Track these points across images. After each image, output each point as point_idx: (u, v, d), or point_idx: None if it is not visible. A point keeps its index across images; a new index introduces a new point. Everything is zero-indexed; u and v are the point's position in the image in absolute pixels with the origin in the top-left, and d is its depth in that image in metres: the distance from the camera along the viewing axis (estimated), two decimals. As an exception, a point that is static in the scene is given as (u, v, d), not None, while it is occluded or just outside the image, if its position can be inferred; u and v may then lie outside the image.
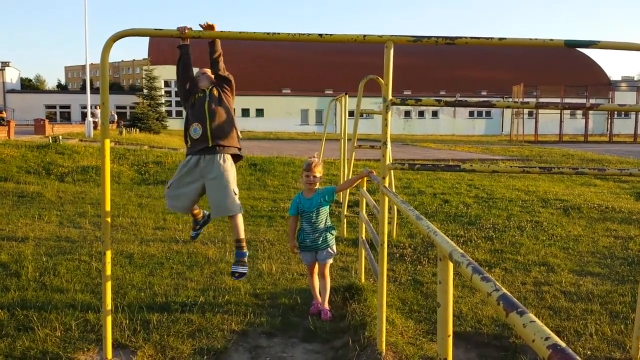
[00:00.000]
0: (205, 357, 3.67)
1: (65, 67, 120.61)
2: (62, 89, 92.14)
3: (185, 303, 4.54)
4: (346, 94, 9.09)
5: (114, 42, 3.35)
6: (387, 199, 3.44)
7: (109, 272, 3.50)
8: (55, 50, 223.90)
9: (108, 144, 3.57)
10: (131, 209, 8.83)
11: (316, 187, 4.43)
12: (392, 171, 7.29)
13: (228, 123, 3.93)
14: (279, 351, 3.81)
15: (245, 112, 53.90)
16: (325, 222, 4.44)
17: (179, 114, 52.85)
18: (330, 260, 4.54)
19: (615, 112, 46.22)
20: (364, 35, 3.27)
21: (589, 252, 6.47)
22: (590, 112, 46.71)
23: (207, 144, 3.83)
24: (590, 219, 8.44)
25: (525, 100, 35.74)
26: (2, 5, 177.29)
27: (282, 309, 4.49)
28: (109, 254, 3.50)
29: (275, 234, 7.27)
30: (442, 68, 58.07)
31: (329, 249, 4.46)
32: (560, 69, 57.01)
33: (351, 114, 9.01)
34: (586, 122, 42.82)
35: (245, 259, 4.10)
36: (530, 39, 3.30)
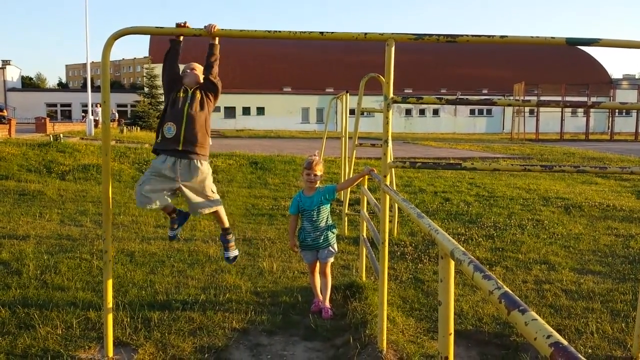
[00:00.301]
0: (206, 355, 3.67)
1: (66, 66, 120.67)
2: (63, 87, 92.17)
3: (186, 301, 4.54)
4: (347, 92, 9.08)
5: (115, 40, 3.35)
6: (388, 197, 3.44)
7: (110, 270, 3.50)
8: (56, 48, 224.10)
9: (109, 142, 3.57)
10: (132, 207, 8.83)
11: (317, 185, 4.43)
12: (393, 169, 7.28)
13: (203, 130, 3.82)
14: (280, 349, 3.82)
15: (246, 111, 53.88)
16: (327, 220, 4.44)
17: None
18: (332, 259, 4.54)
19: (617, 111, 46.18)
20: (365, 33, 3.27)
21: (590, 250, 6.47)
22: (592, 110, 46.65)
23: (177, 147, 3.72)
24: (591, 217, 8.44)
25: (527, 98, 35.69)
26: (3, 3, 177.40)
27: (283, 307, 4.49)
28: (110, 252, 3.51)
29: (276, 232, 7.27)
30: (443, 66, 58.00)
31: (330, 247, 4.46)
32: (562, 67, 56.94)
33: (352, 112, 9.01)
34: (587, 121, 42.76)
35: (234, 244, 4.34)
36: (532, 37, 3.29)
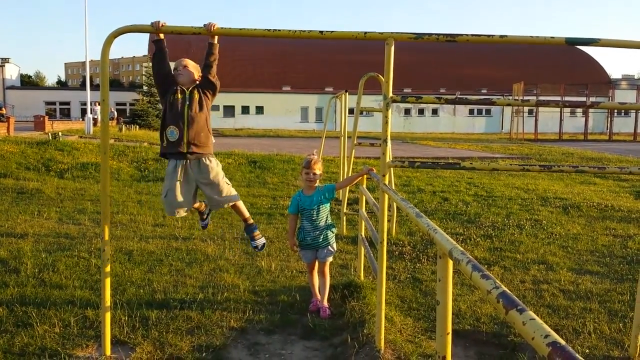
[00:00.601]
0: (204, 353, 3.67)
1: (65, 64, 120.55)
2: (61, 85, 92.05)
3: (184, 300, 4.54)
4: (346, 91, 9.07)
5: (114, 38, 3.35)
6: (386, 196, 3.44)
7: (108, 268, 3.50)
8: (55, 46, 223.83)
9: (108, 140, 3.57)
10: (130, 205, 8.82)
11: (316, 184, 4.43)
12: (392, 169, 7.28)
13: (205, 130, 3.87)
14: (278, 348, 3.82)
15: (245, 110, 53.84)
16: (326, 219, 4.44)
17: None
18: (331, 258, 4.54)
19: (615, 111, 46.21)
20: (365, 32, 3.26)
21: (588, 250, 6.48)
22: (590, 110, 46.71)
23: (181, 149, 3.78)
24: (590, 217, 8.45)
25: (526, 98, 35.69)
26: (2, 1, 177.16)
27: (281, 307, 4.49)
28: (108, 250, 3.50)
29: (274, 231, 7.27)
30: (443, 66, 57.96)
31: (329, 247, 4.46)
32: (561, 67, 56.93)
33: (351, 111, 9.01)
34: (586, 121, 42.79)
35: (258, 232, 4.36)
36: (531, 37, 3.29)
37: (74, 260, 5.54)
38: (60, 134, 17.28)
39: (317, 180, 4.42)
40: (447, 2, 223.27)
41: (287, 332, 4.07)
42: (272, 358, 3.69)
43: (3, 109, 31.77)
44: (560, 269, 5.67)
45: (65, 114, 54.35)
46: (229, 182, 4.07)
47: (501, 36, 3.27)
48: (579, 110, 53.02)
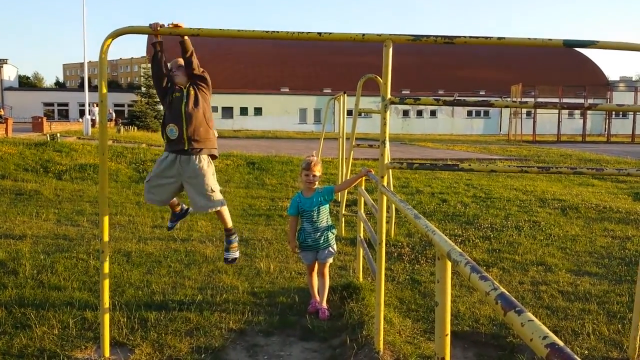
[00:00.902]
0: (202, 355, 3.67)
1: (64, 65, 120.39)
2: (60, 86, 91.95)
3: (183, 301, 4.54)
4: (345, 93, 9.08)
5: (113, 40, 3.35)
6: (385, 198, 3.44)
7: (106, 270, 3.50)
8: (54, 48, 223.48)
9: (106, 142, 3.57)
10: (129, 207, 8.82)
11: (315, 186, 4.43)
12: (390, 170, 7.30)
13: (204, 125, 3.87)
14: (277, 350, 3.82)
15: (244, 111, 53.81)
16: (326, 221, 4.45)
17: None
18: (331, 260, 4.54)
19: (613, 112, 46.29)
20: (363, 34, 3.27)
21: (586, 252, 6.49)
22: (589, 112, 46.79)
23: (183, 147, 3.80)
24: (588, 219, 8.46)
25: (524, 100, 35.73)
26: (0, 2, 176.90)
27: (280, 308, 4.49)
28: (106, 252, 3.50)
29: (273, 233, 7.27)
30: (441, 67, 58.00)
31: (330, 247, 4.46)
32: (559, 69, 56.99)
33: (350, 113, 9.02)
34: (584, 122, 42.83)
35: (236, 245, 4.28)
36: (529, 39, 3.30)
37: (73, 262, 5.53)
38: (58, 135, 17.26)
39: (317, 182, 4.43)
40: (446, 4, 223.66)
41: (285, 333, 4.07)
42: (270, 359, 3.69)
43: (1, 110, 31.76)
44: (559, 270, 5.68)
45: (64, 115, 54.28)
46: (217, 187, 3.99)
47: (499, 38, 3.28)
48: (577, 112, 53.07)
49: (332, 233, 4.49)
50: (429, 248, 6.35)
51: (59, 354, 3.56)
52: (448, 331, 2.03)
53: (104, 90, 3.45)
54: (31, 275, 5.07)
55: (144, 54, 53.00)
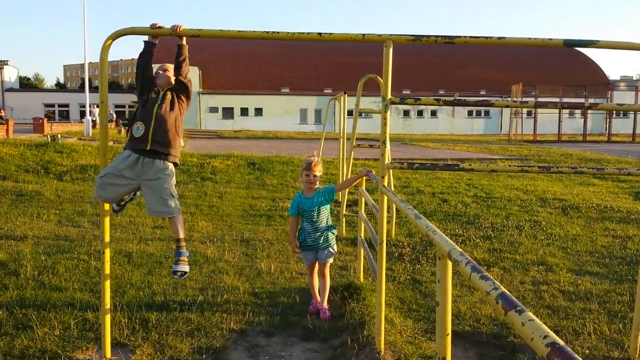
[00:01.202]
0: (204, 356, 3.67)
1: (64, 66, 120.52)
2: (60, 87, 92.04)
3: (184, 302, 4.54)
4: (345, 93, 9.08)
5: (113, 40, 3.36)
6: (386, 198, 3.44)
7: (107, 271, 3.50)
8: (54, 48, 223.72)
9: (107, 142, 3.57)
10: (130, 207, 8.81)
11: (316, 186, 4.43)
12: (391, 170, 7.29)
13: (172, 131, 3.74)
14: (278, 350, 3.82)
15: (244, 111, 53.81)
16: (327, 221, 4.45)
17: (177, 113, 52.52)
18: (331, 260, 4.54)
19: (614, 112, 46.28)
20: (363, 35, 3.27)
21: (587, 251, 6.49)
22: (589, 111, 46.76)
23: (145, 147, 3.65)
24: (589, 218, 8.45)
25: (524, 99, 35.72)
26: (1, 3, 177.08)
27: (281, 308, 4.49)
28: (107, 252, 3.51)
29: (274, 233, 7.27)
30: (441, 67, 57.98)
31: (330, 248, 4.46)
32: (559, 68, 56.94)
33: (350, 113, 9.02)
34: (585, 122, 42.79)
35: (186, 258, 3.90)
36: (530, 39, 3.30)
37: (74, 263, 5.54)
38: (59, 136, 17.28)
39: (317, 182, 4.43)
40: (446, 4, 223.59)
41: (286, 333, 4.07)
42: (272, 359, 3.69)
43: (2, 111, 31.76)
44: (560, 270, 5.68)
45: (64, 116, 54.33)
46: (175, 194, 3.79)
47: (499, 38, 3.28)
48: (578, 111, 53.05)
49: (333, 233, 4.49)
50: (430, 248, 6.35)
51: (60, 354, 3.57)
52: (449, 331, 2.03)
53: (105, 91, 3.45)
54: (32, 276, 5.08)
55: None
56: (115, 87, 78.49)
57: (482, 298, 4.64)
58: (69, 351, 3.62)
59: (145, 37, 3.68)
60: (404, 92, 52.22)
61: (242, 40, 39.24)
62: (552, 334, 1.15)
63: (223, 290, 4.86)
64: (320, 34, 3.27)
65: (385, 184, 3.41)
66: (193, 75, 48.02)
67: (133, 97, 49.63)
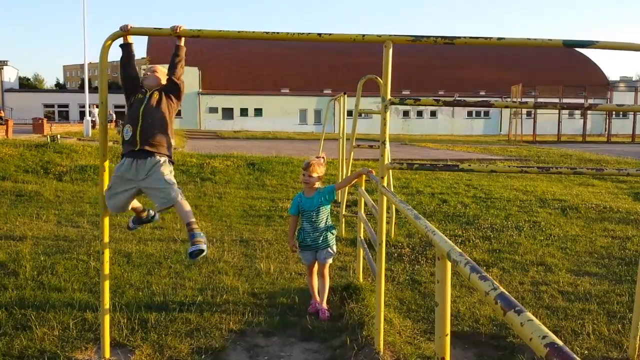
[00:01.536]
0: (203, 356, 3.67)
1: (64, 66, 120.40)
2: (60, 88, 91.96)
3: (183, 302, 4.54)
4: (345, 93, 9.09)
5: (113, 41, 3.36)
6: (385, 198, 3.44)
7: (107, 271, 3.50)
8: (54, 49, 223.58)
9: (106, 143, 3.58)
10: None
11: (316, 186, 4.44)
12: (390, 171, 7.30)
13: (161, 129, 3.71)
14: (277, 350, 3.82)
15: (244, 112, 53.82)
16: (326, 221, 4.45)
17: (177, 114, 52.63)
18: (330, 260, 4.54)
19: (614, 112, 46.28)
20: (363, 35, 3.28)
21: (586, 252, 6.49)
22: (589, 112, 46.78)
23: (134, 147, 3.64)
24: (588, 219, 8.46)
25: (524, 100, 35.72)
26: (1, 3, 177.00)
27: (280, 309, 4.49)
28: (107, 253, 3.51)
29: (273, 234, 7.27)
30: (441, 68, 57.99)
31: (329, 248, 4.46)
32: (559, 69, 56.95)
33: (350, 113, 9.02)
34: (584, 122, 42.80)
35: (201, 239, 3.71)
36: (529, 39, 3.31)
37: (73, 263, 5.54)
38: (58, 136, 17.27)
39: (317, 183, 4.43)
40: (446, 4, 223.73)
41: (286, 334, 4.07)
42: (271, 360, 3.69)
43: (2, 111, 31.78)
44: (559, 271, 5.68)
45: (64, 117, 54.30)
46: (173, 181, 3.71)
47: (499, 38, 3.28)
48: (577, 112, 53.08)
49: (332, 234, 4.49)
50: (429, 248, 6.35)
51: (59, 355, 3.56)
52: (448, 331, 2.03)
53: (105, 92, 3.45)
54: (31, 276, 5.07)
55: (145, 55, 52.97)
56: (115, 87, 78.38)
57: (481, 298, 4.64)
58: (68, 351, 3.62)
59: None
60: (403, 92, 52.22)
61: (242, 41, 39.31)
62: (551, 334, 1.15)
63: (222, 291, 4.86)
64: (319, 34, 3.27)
65: (385, 184, 3.41)
66: (193, 75, 48.05)
67: (133, 98, 49.58)
